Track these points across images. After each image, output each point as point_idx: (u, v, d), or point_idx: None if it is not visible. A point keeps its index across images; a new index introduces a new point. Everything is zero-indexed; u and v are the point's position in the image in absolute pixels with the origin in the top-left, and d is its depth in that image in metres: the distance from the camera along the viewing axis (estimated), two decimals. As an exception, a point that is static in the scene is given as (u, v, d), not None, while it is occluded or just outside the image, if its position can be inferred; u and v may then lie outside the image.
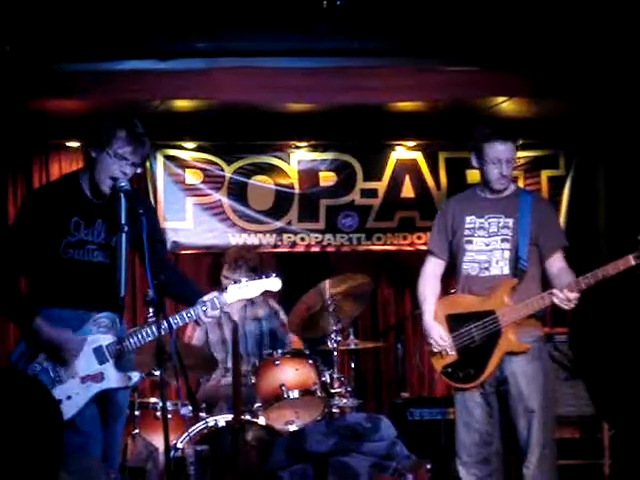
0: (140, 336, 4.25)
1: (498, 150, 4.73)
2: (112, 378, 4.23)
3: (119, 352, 4.23)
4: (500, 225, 4.80)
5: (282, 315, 6.61)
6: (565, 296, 4.55)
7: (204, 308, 4.34)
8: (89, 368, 4.20)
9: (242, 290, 4.50)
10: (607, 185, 7.50)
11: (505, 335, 4.69)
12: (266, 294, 6.68)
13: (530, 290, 4.70)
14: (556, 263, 4.77)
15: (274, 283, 4.63)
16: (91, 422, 4.20)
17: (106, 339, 4.23)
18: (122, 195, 4.24)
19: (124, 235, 4.27)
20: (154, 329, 4.14)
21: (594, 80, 6.14)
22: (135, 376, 4.29)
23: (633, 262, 4.47)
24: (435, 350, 4.85)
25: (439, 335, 4.83)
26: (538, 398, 4.69)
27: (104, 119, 4.26)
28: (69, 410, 4.11)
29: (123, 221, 4.28)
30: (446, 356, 4.84)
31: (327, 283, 6.03)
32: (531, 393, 4.69)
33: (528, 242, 4.75)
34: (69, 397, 4.14)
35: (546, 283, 4.79)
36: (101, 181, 4.22)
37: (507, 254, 4.76)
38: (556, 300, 4.59)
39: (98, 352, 4.21)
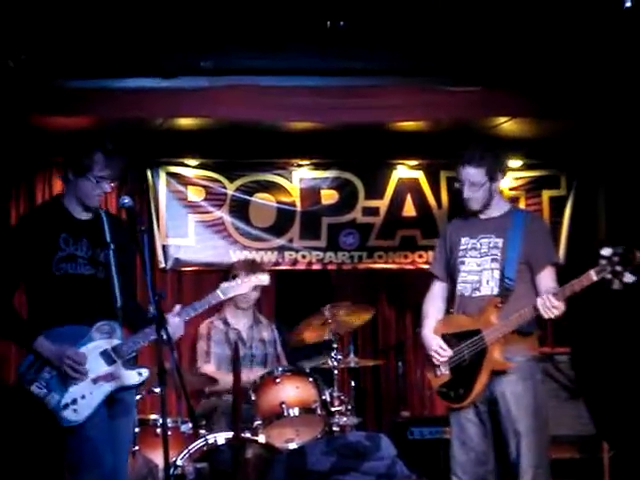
0: (140, 339, 4.35)
1: (460, 172, 4.84)
2: (123, 376, 4.33)
3: (126, 353, 4.33)
4: (490, 245, 4.84)
5: (279, 347, 6.66)
6: (549, 301, 4.55)
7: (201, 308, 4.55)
8: (99, 370, 4.30)
9: (235, 287, 4.66)
10: (608, 205, 7.51)
11: (490, 354, 4.69)
12: (270, 319, 6.84)
13: (519, 309, 4.70)
14: (545, 280, 4.77)
15: (263, 278, 4.81)
16: (99, 428, 4.26)
17: (111, 343, 4.33)
18: (125, 212, 4.40)
19: (111, 252, 4.39)
20: (152, 331, 4.23)
21: (596, 101, 6.15)
22: (144, 372, 4.40)
23: (595, 277, 4.48)
24: (437, 362, 4.84)
25: (439, 345, 4.84)
26: (527, 419, 4.67)
27: (79, 145, 4.39)
28: (84, 410, 4.22)
29: (108, 239, 4.42)
30: (441, 375, 4.85)
31: (328, 312, 6.07)
32: (520, 414, 4.67)
33: (517, 261, 4.76)
34: (83, 397, 4.25)
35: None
36: (85, 200, 4.37)
37: (496, 274, 4.78)
38: (540, 306, 4.58)
39: (105, 355, 4.32)
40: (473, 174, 4.80)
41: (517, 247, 4.77)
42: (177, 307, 4.53)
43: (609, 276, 4.44)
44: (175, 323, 4.42)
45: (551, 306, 4.55)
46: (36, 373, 4.24)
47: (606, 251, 4.45)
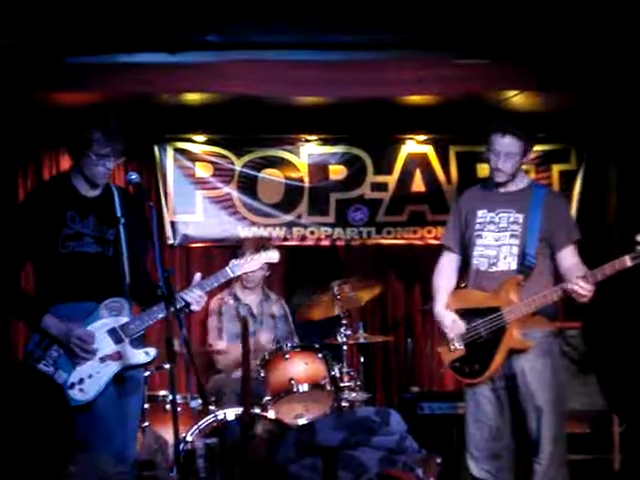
0: (148, 317, 4.34)
1: (498, 142, 4.70)
2: (130, 355, 4.32)
3: (133, 332, 4.32)
4: (510, 220, 4.77)
5: (290, 322, 6.67)
6: (580, 286, 4.49)
7: (209, 286, 4.51)
8: (106, 348, 4.29)
9: (244, 264, 4.63)
10: (619, 179, 7.47)
11: (509, 332, 4.66)
12: (280, 295, 6.84)
13: (539, 286, 4.66)
14: (568, 258, 4.72)
15: (272, 255, 4.78)
16: (109, 406, 4.27)
17: (119, 321, 4.32)
18: (132, 187, 4.39)
19: (122, 227, 4.37)
20: (159, 309, 4.25)
21: (605, 74, 6.10)
22: (152, 351, 4.39)
23: (629, 263, 4.40)
24: (450, 336, 4.81)
25: (452, 320, 4.81)
26: (547, 394, 4.67)
27: (79, 123, 4.33)
28: (91, 388, 4.22)
29: (119, 214, 4.39)
30: (454, 351, 4.82)
31: (337, 288, 6.06)
32: (540, 390, 4.66)
33: (537, 237, 4.70)
34: (90, 376, 4.24)
35: (559, 279, 4.75)
36: (91, 178, 4.33)
37: (515, 250, 4.73)
38: (572, 291, 4.52)
39: (112, 333, 4.31)
40: (511, 144, 4.69)
41: (537, 224, 4.71)
42: (197, 275, 4.53)
43: None
44: (197, 295, 4.41)
45: (584, 291, 4.49)
46: (43, 351, 4.22)
47: None
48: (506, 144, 4.70)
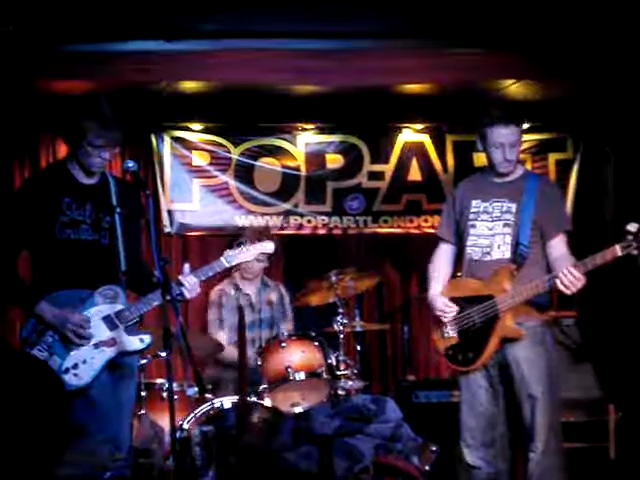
0: (143, 304, 4.36)
1: (500, 134, 4.68)
2: (125, 342, 4.34)
3: (128, 319, 4.33)
4: (503, 210, 4.77)
5: (287, 303, 6.65)
6: (570, 274, 4.48)
7: (204, 276, 4.51)
8: (101, 335, 4.31)
9: (239, 254, 4.65)
10: (615, 168, 7.47)
11: (502, 320, 4.67)
12: (278, 280, 6.84)
13: (532, 275, 4.66)
14: (557, 248, 4.71)
15: (268, 246, 4.80)
16: (105, 392, 4.29)
17: (113, 308, 4.33)
18: (129, 176, 4.43)
19: (117, 215, 4.37)
20: (155, 297, 4.28)
21: (602, 62, 6.11)
22: (147, 338, 4.41)
23: (620, 253, 4.38)
24: (444, 319, 4.82)
25: (443, 303, 4.81)
26: (541, 383, 4.68)
27: (73, 112, 4.32)
28: (85, 374, 4.24)
29: (114, 202, 4.39)
30: (448, 338, 4.83)
31: (334, 277, 6.07)
32: (533, 378, 4.67)
33: (530, 227, 4.70)
34: (85, 361, 4.26)
35: (549, 269, 4.74)
36: (87, 167, 4.33)
37: (508, 239, 4.73)
38: (561, 281, 4.53)
39: (107, 320, 4.32)
40: (513, 133, 4.68)
41: (530, 212, 4.70)
42: (186, 266, 4.52)
43: (635, 252, 4.35)
44: (191, 283, 4.42)
45: (574, 279, 4.48)
46: (38, 337, 4.24)
47: (632, 226, 4.34)
48: (509, 134, 4.68)
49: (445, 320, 4.82)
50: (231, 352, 6.06)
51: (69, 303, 4.27)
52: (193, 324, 6.97)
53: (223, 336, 6.41)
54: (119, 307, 4.34)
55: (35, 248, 4.34)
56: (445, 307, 4.81)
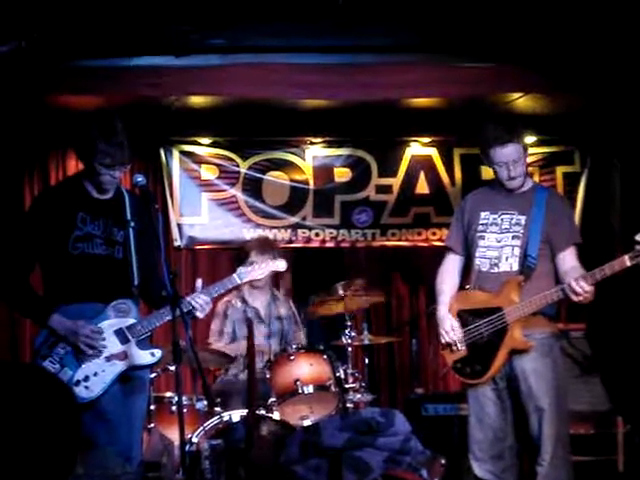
0: (155, 319, 4.38)
1: (501, 154, 4.72)
2: (136, 355, 4.36)
3: (139, 333, 4.36)
4: (512, 222, 4.79)
5: (297, 315, 6.66)
6: (579, 286, 4.51)
7: (216, 292, 4.54)
8: (112, 348, 4.33)
9: (252, 272, 4.71)
10: (622, 181, 7.48)
11: (511, 332, 4.69)
12: (287, 294, 6.86)
13: (540, 287, 4.68)
14: (567, 260, 4.74)
15: (280, 265, 4.86)
16: (115, 404, 4.30)
17: (125, 322, 4.36)
18: (138, 190, 4.42)
19: (131, 230, 4.40)
20: (167, 312, 4.28)
21: (609, 76, 6.11)
22: (158, 352, 4.43)
23: (628, 263, 4.41)
24: (443, 341, 4.85)
25: (450, 326, 4.84)
26: (548, 395, 4.69)
27: (84, 131, 4.32)
28: (96, 386, 4.26)
29: (129, 217, 4.42)
30: (457, 351, 4.85)
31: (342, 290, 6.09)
32: (541, 390, 4.68)
33: (539, 239, 4.72)
34: (96, 374, 4.27)
35: (558, 281, 4.75)
36: (99, 185, 4.36)
37: (517, 251, 4.76)
38: (571, 290, 4.54)
39: (119, 334, 4.34)
40: (513, 151, 4.71)
41: (539, 225, 4.73)
42: (199, 281, 4.55)
43: None
44: (202, 303, 4.44)
45: (583, 291, 4.51)
46: (50, 349, 4.26)
47: None
48: (509, 153, 4.72)
49: (443, 341, 4.84)
50: (234, 349, 6.11)
51: (82, 316, 4.28)
52: (200, 337, 6.97)
53: (221, 346, 6.43)
54: (131, 321, 4.36)
55: (48, 262, 4.36)
56: (450, 331, 4.83)
